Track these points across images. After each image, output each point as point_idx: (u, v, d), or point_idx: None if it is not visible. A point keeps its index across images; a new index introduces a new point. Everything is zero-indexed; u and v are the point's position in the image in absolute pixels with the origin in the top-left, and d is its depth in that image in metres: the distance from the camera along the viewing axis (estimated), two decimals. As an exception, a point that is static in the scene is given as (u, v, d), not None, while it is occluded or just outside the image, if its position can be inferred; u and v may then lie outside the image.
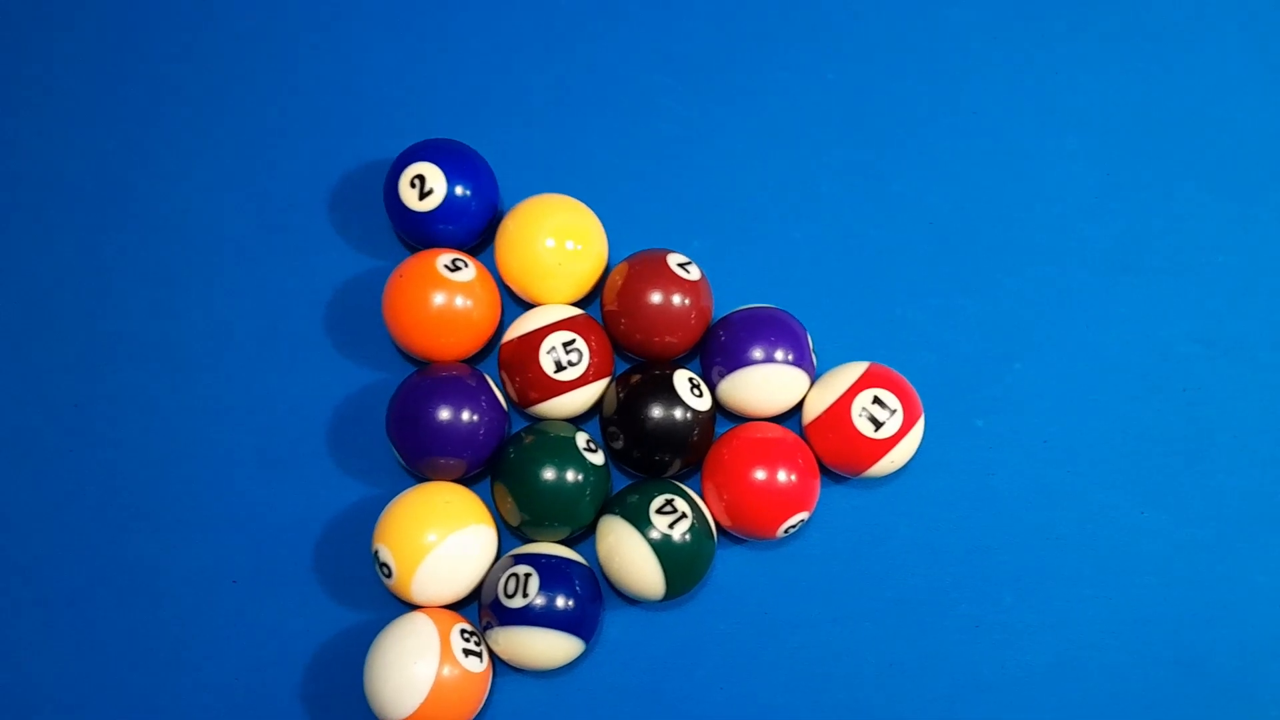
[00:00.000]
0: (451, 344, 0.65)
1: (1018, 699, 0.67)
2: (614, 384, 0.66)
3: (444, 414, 0.62)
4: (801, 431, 0.68)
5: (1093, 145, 0.76)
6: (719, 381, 0.66)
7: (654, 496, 0.62)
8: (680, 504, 0.62)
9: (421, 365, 0.68)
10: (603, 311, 0.68)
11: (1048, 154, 0.75)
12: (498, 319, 0.68)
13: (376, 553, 0.62)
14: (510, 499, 0.63)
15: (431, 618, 0.61)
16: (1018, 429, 0.71)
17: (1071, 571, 0.69)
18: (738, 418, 0.69)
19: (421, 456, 0.63)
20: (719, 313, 0.69)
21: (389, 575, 0.61)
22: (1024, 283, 0.73)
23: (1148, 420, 0.71)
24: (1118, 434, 0.71)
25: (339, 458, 0.69)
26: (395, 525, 0.61)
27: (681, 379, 0.65)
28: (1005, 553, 0.69)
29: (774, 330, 0.65)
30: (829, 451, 0.66)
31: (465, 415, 0.62)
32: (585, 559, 0.65)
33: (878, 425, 0.64)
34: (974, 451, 0.70)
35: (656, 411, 0.63)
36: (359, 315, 0.71)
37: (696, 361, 0.70)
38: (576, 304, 0.69)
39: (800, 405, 0.68)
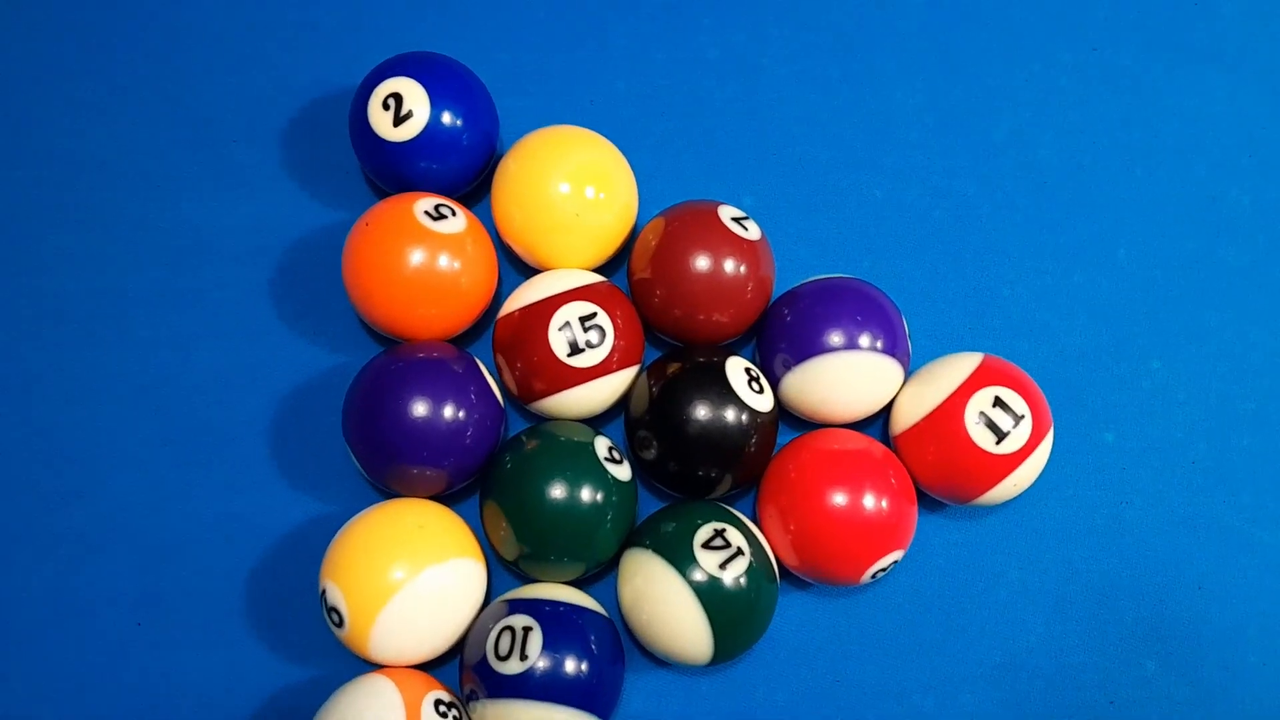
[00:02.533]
0: (432, 317, 0.60)
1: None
2: (645, 375, 0.61)
3: (419, 409, 0.56)
4: (890, 442, 0.62)
5: (1243, 90, 0.70)
6: (784, 374, 0.61)
7: (698, 526, 0.57)
8: (734, 536, 0.57)
9: (392, 344, 0.63)
10: (631, 280, 0.63)
11: (1186, 99, 0.70)
12: (494, 286, 0.63)
13: (324, 593, 0.56)
14: (506, 524, 0.57)
15: (396, 682, 0.56)
16: (1157, 446, 0.66)
17: (1228, 631, 0.63)
18: (807, 423, 0.64)
19: (388, 464, 0.58)
20: (782, 287, 0.64)
21: (340, 624, 0.56)
22: (1162, 260, 0.68)
23: (1322, 438, 0.65)
24: (1283, 455, 0.65)
25: (282, 463, 0.64)
26: (350, 557, 0.56)
27: (735, 370, 0.59)
28: (1144, 606, 0.63)
29: (856, 307, 0.59)
30: (929, 468, 0.60)
31: (448, 411, 0.57)
32: (603, 606, 0.60)
33: (1000, 436, 0.57)
34: (1103, 474, 0.65)
35: (702, 412, 0.57)
36: (315, 278, 0.66)
37: (752, 347, 0.65)
38: (597, 270, 0.65)
39: (889, 408, 0.63)
